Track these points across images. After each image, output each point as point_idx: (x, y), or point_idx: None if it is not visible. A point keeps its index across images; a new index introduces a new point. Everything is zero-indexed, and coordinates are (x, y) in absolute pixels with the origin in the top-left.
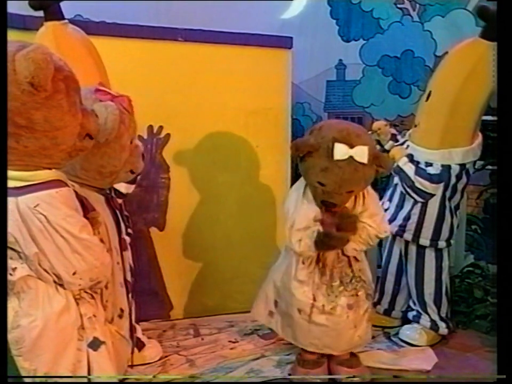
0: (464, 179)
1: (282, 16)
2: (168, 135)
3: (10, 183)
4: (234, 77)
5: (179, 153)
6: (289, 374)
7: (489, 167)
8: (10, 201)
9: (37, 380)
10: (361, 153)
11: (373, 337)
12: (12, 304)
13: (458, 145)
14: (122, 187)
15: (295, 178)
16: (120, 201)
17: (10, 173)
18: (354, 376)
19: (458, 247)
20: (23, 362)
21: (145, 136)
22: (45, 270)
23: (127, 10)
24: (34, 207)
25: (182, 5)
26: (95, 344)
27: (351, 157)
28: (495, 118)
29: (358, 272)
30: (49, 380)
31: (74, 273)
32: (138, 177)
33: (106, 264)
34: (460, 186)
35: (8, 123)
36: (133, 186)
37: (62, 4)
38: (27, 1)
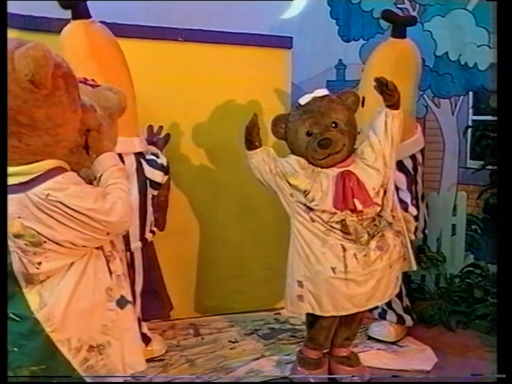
0: (419, 169)
1: (282, 16)
2: (168, 135)
3: (15, 180)
4: (234, 77)
5: (179, 153)
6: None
7: (489, 167)
8: (20, 197)
9: (41, 380)
10: (320, 91)
11: (373, 337)
12: (36, 288)
13: (405, 139)
14: (159, 176)
15: None
16: (156, 192)
17: (12, 169)
18: (353, 376)
19: (458, 247)
20: (58, 335)
21: (145, 136)
22: (75, 246)
23: (127, 10)
24: (46, 196)
25: (182, 5)
26: (121, 302)
27: (314, 97)
28: (495, 118)
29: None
30: (51, 380)
31: (108, 234)
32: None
33: (129, 211)
34: (419, 179)
35: (10, 122)
36: (166, 176)
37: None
38: (27, 2)
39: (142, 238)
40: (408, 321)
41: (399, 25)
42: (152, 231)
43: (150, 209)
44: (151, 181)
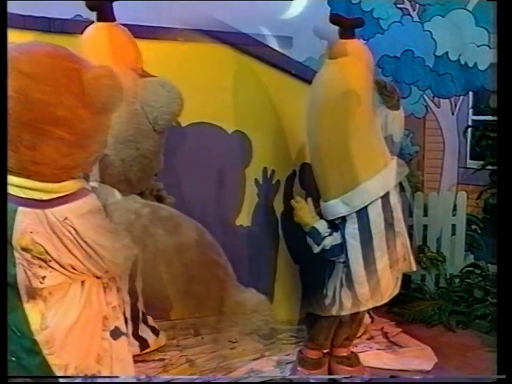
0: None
1: (282, 16)
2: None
3: (35, 194)
4: (234, 77)
5: (179, 152)
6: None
7: (489, 167)
8: (38, 213)
9: (49, 379)
10: None
11: (372, 337)
12: (39, 307)
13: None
14: None
15: None
16: None
17: (37, 184)
18: (351, 376)
19: (458, 247)
20: (55, 359)
21: None
22: (75, 271)
23: (127, 10)
24: (64, 219)
25: (183, 5)
26: (115, 333)
27: None
28: (495, 118)
29: None
30: (44, 380)
31: (106, 272)
32: None
33: (133, 255)
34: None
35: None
36: None
37: (60, 3)
38: (30, 2)
39: None
40: None
41: (347, 27)
42: None
43: None
44: None
